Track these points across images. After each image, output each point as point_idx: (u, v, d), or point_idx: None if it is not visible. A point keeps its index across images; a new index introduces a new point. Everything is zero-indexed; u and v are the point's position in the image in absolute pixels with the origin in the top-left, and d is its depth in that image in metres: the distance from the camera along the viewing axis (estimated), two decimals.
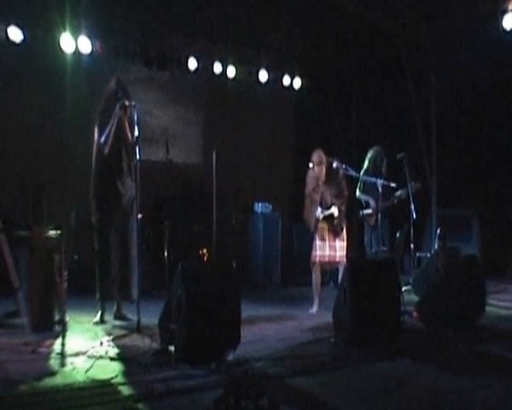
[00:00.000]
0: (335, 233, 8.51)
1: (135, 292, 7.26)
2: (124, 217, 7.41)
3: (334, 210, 8.50)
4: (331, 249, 8.49)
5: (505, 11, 9.90)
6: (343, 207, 8.58)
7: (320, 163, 8.54)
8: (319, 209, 8.49)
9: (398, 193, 9.51)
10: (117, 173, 7.38)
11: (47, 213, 9.03)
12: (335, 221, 8.51)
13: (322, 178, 8.58)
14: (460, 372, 5.49)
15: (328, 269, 9.17)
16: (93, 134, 7.42)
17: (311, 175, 8.69)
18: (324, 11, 10.97)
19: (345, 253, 8.52)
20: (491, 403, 4.70)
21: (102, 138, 7.24)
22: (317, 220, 8.52)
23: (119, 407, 4.48)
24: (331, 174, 8.58)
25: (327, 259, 8.51)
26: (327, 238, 8.51)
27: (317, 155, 8.58)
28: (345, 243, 8.57)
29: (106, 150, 7.24)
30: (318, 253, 8.50)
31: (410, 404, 4.69)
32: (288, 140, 14.17)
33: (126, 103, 7.24)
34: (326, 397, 4.81)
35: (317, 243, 8.52)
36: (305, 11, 11.05)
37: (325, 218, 8.52)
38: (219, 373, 5.19)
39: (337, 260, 8.48)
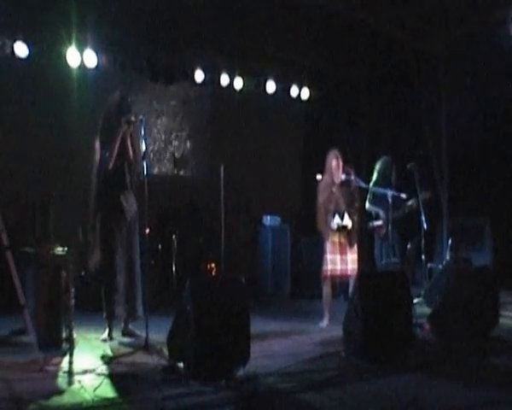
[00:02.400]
0: (347, 246, 8.43)
1: (140, 309, 7.24)
2: (128, 233, 7.36)
3: (349, 222, 8.42)
4: (343, 263, 8.40)
5: None
6: (355, 218, 8.51)
7: (336, 158, 8.50)
8: (336, 219, 8.41)
9: (410, 203, 9.44)
10: (120, 189, 7.33)
11: (54, 230, 9.01)
12: (349, 234, 8.43)
13: (338, 180, 8.51)
14: (473, 386, 5.42)
15: (339, 282, 9.05)
16: (94, 149, 7.36)
17: (322, 184, 8.63)
18: (332, 21, 10.91)
19: (356, 266, 8.43)
20: None
21: (107, 153, 7.19)
22: (330, 231, 8.45)
23: None
24: (344, 182, 8.52)
25: (338, 273, 8.42)
26: (338, 252, 8.42)
27: (333, 154, 8.55)
28: (356, 256, 8.48)
29: (110, 165, 7.19)
30: (330, 267, 8.41)
31: None
32: (296, 152, 14.10)
33: (133, 119, 7.21)
34: None
35: (328, 256, 8.43)
36: (313, 21, 11.00)
37: (337, 230, 8.44)
38: (229, 390, 5.14)
39: (349, 273, 8.37)
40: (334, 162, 8.52)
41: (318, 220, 8.59)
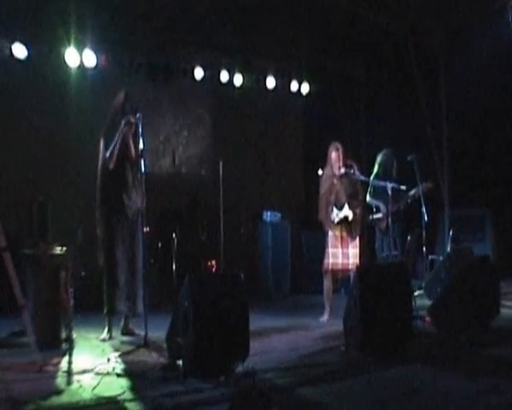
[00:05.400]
0: (349, 239, 8.40)
1: (141, 306, 7.24)
2: (130, 229, 7.37)
3: (349, 213, 8.40)
4: (344, 257, 8.38)
5: None
6: (358, 211, 8.48)
7: (336, 150, 8.50)
8: (335, 211, 8.40)
9: (412, 192, 9.40)
10: (122, 186, 7.35)
11: (54, 230, 9.00)
12: (350, 226, 8.41)
13: (337, 171, 8.50)
14: (474, 377, 5.41)
15: (340, 277, 9.02)
16: (98, 147, 7.39)
17: (324, 176, 8.66)
18: (331, 15, 10.88)
19: (358, 260, 8.40)
20: (506, 407, 4.60)
21: (108, 153, 7.21)
22: (332, 224, 8.44)
23: None
24: (345, 174, 8.50)
25: (340, 267, 8.40)
26: (340, 245, 8.41)
27: (335, 145, 8.55)
28: (358, 250, 8.46)
29: (111, 165, 7.22)
30: (331, 260, 8.40)
31: None
32: (296, 147, 14.07)
33: (132, 119, 7.20)
34: (337, 407, 4.76)
35: (330, 250, 8.43)
36: (312, 15, 10.97)
37: (338, 224, 8.43)
38: (228, 386, 5.11)
39: (350, 267, 8.33)
40: (334, 154, 8.53)
41: (319, 211, 8.62)
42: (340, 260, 8.39)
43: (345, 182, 8.52)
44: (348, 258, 8.39)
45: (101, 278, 7.45)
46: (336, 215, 8.42)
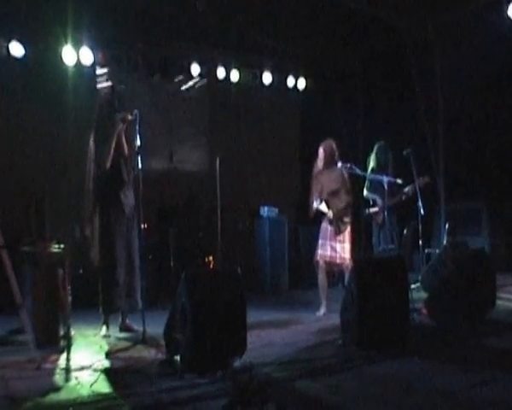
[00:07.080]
0: (335, 233, 8.44)
1: (140, 302, 7.25)
2: (127, 227, 7.38)
3: (326, 210, 8.48)
4: (332, 250, 8.45)
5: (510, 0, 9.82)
6: (341, 210, 8.49)
7: (323, 149, 8.60)
8: (315, 203, 8.51)
9: (406, 189, 9.42)
10: (118, 185, 7.34)
11: (51, 228, 9.01)
12: (332, 222, 8.46)
13: (319, 166, 8.63)
14: (471, 369, 5.44)
15: (337, 271, 9.06)
16: (88, 146, 7.38)
17: (316, 166, 8.75)
18: (327, 9, 10.87)
19: (347, 255, 8.43)
20: (503, 399, 4.63)
21: (103, 152, 7.18)
22: (316, 214, 8.59)
23: None
24: (333, 170, 8.53)
25: (328, 259, 8.46)
26: (328, 238, 8.48)
27: (324, 143, 8.65)
28: (347, 245, 8.49)
29: (107, 164, 7.19)
30: (320, 251, 8.51)
31: (420, 405, 4.63)
32: (293, 142, 14.10)
33: (129, 117, 7.19)
34: (334, 400, 4.77)
35: (320, 241, 8.56)
36: (308, 10, 10.96)
37: (322, 215, 8.51)
38: (225, 381, 5.12)
39: (338, 261, 8.42)
40: (319, 151, 8.63)
41: (310, 197, 8.74)
42: (328, 253, 8.47)
43: (328, 179, 8.57)
44: (336, 251, 8.45)
45: (99, 276, 7.47)
46: (315, 209, 8.53)
